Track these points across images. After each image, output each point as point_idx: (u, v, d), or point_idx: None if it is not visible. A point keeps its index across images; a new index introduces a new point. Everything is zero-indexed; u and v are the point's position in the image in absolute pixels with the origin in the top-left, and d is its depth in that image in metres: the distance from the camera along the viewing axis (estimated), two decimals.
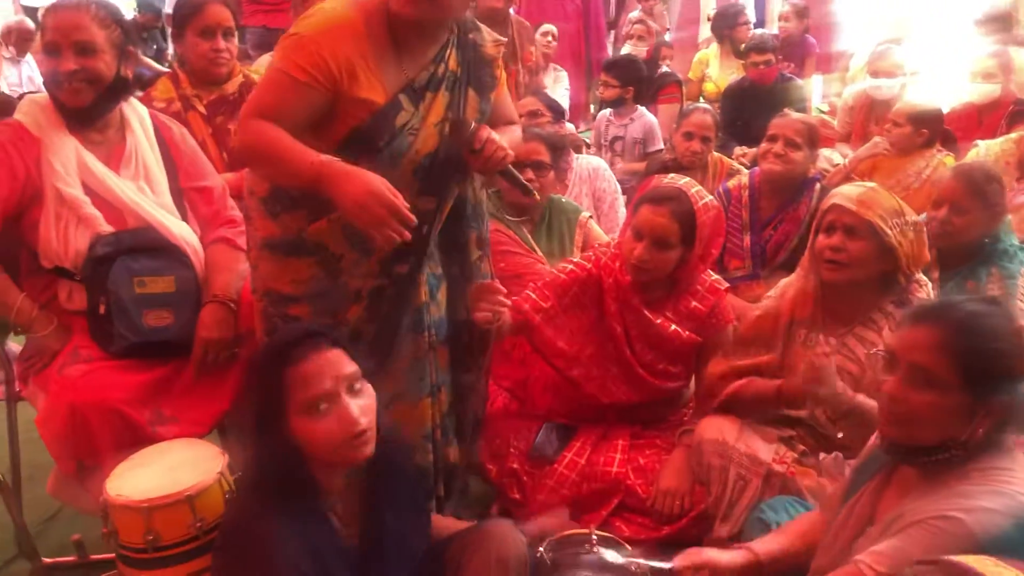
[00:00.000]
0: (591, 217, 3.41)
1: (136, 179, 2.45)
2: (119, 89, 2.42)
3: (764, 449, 2.35)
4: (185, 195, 2.56)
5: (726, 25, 6.81)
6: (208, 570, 1.93)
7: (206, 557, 1.94)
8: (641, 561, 1.98)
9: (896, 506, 1.66)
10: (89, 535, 2.38)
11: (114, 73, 2.37)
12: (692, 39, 7.94)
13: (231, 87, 3.14)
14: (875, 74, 5.22)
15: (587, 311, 2.68)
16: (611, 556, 2.00)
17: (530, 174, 3.13)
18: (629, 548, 2.08)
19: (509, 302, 2.34)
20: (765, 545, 1.92)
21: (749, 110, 5.52)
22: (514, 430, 2.75)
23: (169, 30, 7.76)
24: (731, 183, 3.66)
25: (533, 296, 2.67)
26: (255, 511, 1.74)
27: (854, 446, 2.20)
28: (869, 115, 5.26)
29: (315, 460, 1.75)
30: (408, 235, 1.94)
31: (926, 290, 2.41)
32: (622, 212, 3.80)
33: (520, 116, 3.97)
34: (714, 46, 7.00)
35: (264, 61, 3.51)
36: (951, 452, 1.59)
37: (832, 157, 4.89)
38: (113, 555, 2.07)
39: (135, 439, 2.18)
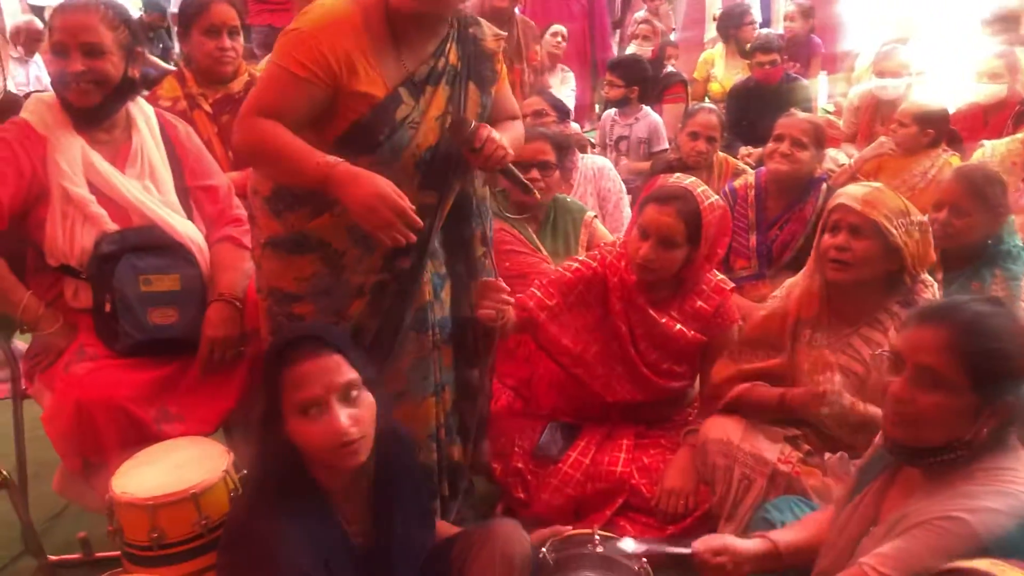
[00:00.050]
0: (596, 217, 3.41)
1: (142, 178, 2.46)
2: (126, 90, 2.43)
3: (769, 449, 2.34)
4: (191, 194, 2.57)
5: (732, 25, 6.79)
6: (212, 568, 1.94)
7: (211, 555, 1.95)
8: (658, 545, 2.00)
9: (900, 506, 1.66)
10: (95, 533, 2.39)
11: (121, 74, 2.38)
12: (698, 39, 7.93)
13: (237, 86, 3.14)
14: (881, 74, 5.21)
15: (592, 309, 2.68)
16: (627, 545, 2.00)
17: (535, 173, 3.13)
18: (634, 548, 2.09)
19: (513, 300, 2.34)
20: (784, 535, 1.92)
21: (754, 110, 5.51)
22: (519, 429, 2.76)
23: (175, 29, 7.79)
24: (737, 183, 3.65)
25: (538, 293, 2.67)
26: (259, 509, 1.75)
27: (859, 446, 2.20)
28: (875, 115, 5.25)
29: (314, 460, 1.76)
30: (413, 237, 1.97)
31: (932, 290, 2.40)
32: (627, 212, 3.80)
33: (525, 116, 3.98)
34: (719, 46, 6.99)
35: None
36: (957, 453, 1.58)
37: (837, 157, 4.88)
38: (118, 553, 2.08)
39: (141, 437, 2.18)
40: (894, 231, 2.27)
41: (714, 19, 7.58)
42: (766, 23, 8.08)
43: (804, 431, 2.43)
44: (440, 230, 2.23)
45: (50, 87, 2.50)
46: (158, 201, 2.46)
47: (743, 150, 5.23)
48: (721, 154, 4.27)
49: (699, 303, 2.65)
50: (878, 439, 1.79)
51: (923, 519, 1.56)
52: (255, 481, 1.87)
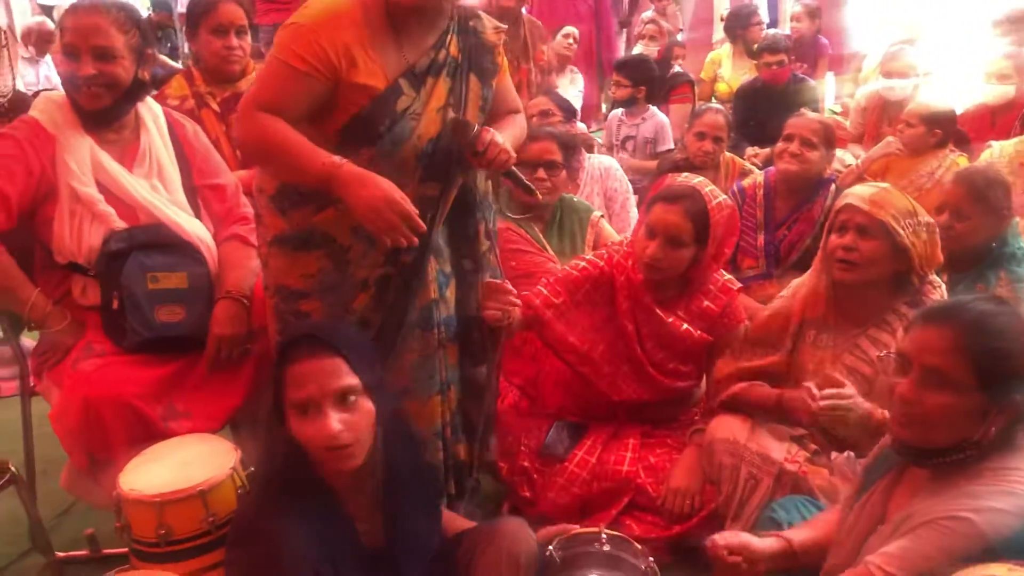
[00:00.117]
0: (603, 216, 3.41)
1: (149, 177, 2.47)
2: (136, 92, 2.44)
3: (776, 448, 2.34)
4: (198, 192, 2.58)
5: (739, 25, 6.79)
6: (219, 565, 1.94)
7: (218, 552, 1.96)
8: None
9: (907, 505, 1.65)
10: (102, 529, 2.39)
11: (132, 77, 2.39)
12: (705, 39, 7.92)
13: (244, 85, 3.15)
14: (888, 75, 5.20)
15: (599, 308, 2.68)
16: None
17: (542, 173, 3.14)
18: (639, 547, 2.09)
19: (519, 302, 2.34)
20: (798, 534, 1.92)
21: (761, 110, 5.51)
22: (525, 428, 2.76)
23: (181, 28, 7.81)
24: (746, 182, 3.65)
25: (544, 291, 2.67)
26: (266, 506, 1.76)
27: (865, 446, 2.20)
28: (882, 116, 5.24)
29: (314, 458, 1.76)
30: (415, 241, 1.98)
31: (940, 291, 2.40)
32: (633, 212, 3.80)
33: (531, 116, 4.00)
34: (727, 46, 6.98)
35: None
36: (965, 453, 1.58)
37: (844, 158, 4.87)
38: (126, 549, 2.09)
39: (148, 434, 2.19)
40: (902, 231, 2.27)
41: (721, 19, 7.57)
42: (773, 24, 8.08)
43: (810, 430, 2.43)
44: (444, 226, 2.24)
45: (59, 87, 2.51)
46: (166, 200, 2.47)
47: (750, 150, 5.23)
48: (728, 154, 4.26)
49: (706, 303, 2.64)
50: (885, 439, 1.79)
51: (929, 518, 1.56)
52: (263, 477, 1.88)
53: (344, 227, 2.06)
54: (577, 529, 2.15)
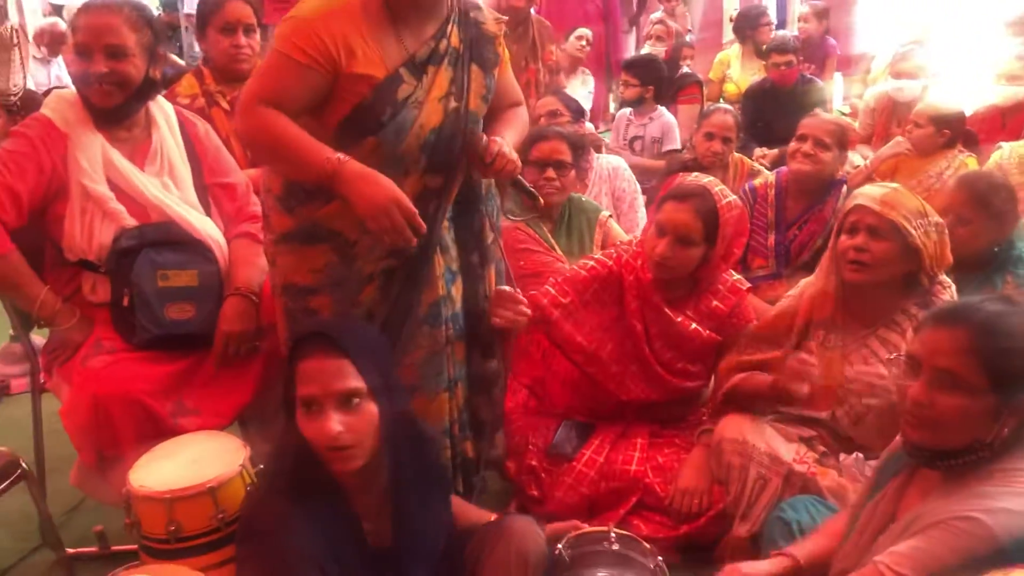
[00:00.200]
0: (611, 216, 3.41)
1: (161, 175, 2.48)
2: (147, 90, 2.45)
3: (785, 449, 2.34)
4: (209, 191, 2.59)
5: (748, 26, 6.77)
6: (229, 561, 1.94)
7: (227, 548, 1.96)
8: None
9: (917, 506, 1.65)
10: (112, 526, 2.40)
11: (143, 75, 2.40)
12: (715, 40, 7.91)
13: None
14: (898, 76, 5.20)
15: (607, 308, 2.68)
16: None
17: (551, 173, 3.14)
18: (648, 546, 2.09)
19: (529, 312, 2.34)
20: (803, 549, 1.91)
21: (770, 111, 5.51)
22: (533, 427, 2.76)
23: (185, 28, 7.83)
24: (757, 182, 3.65)
25: (552, 291, 2.67)
26: (271, 502, 1.76)
27: (875, 447, 2.20)
28: (891, 117, 5.24)
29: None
30: (414, 241, 1.99)
31: (950, 292, 2.39)
32: (642, 212, 3.80)
33: (540, 116, 4.01)
34: (736, 47, 6.97)
35: None
36: (977, 454, 1.58)
37: (853, 159, 4.87)
38: (135, 546, 2.09)
39: (157, 431, 2.20)
40: (913, 232, 2.27)
41: (731, 20, 7.56)
42: (781, 24, 8.06)
43: (819, 432, 2.43)
44: (450, 224, 2.24)
45: (71, 87, 2.52)
46: (177, 198, 2.47)
47: (758, 151, 5.22)
48: (736, 155, 4.26)
49: (715, 303, 2.64)
50: (896, 441, 1.79)
51: (939, 519, 1.56)
52: (272, 471, 1.88)
53: (350, 221, 2.05)
54: (586, 528, 2.14)
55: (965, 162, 4.13)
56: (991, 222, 2.94)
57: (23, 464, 2.31)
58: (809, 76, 5.85)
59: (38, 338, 2.84)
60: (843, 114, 6.29)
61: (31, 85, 5.78)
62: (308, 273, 2.15)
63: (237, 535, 1.86)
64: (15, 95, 4.75)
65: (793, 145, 3.49)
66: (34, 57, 6.76)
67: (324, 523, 1.74)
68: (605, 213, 3.37)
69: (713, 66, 7.03)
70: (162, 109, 2.56)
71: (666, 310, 2.61)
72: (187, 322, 2.37)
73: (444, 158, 2.12)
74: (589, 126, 4.93)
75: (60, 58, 6.88)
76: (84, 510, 2.78)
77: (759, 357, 2.51)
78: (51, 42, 6.88)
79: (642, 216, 3.77)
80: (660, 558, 2.06)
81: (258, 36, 3.26)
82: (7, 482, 2.26)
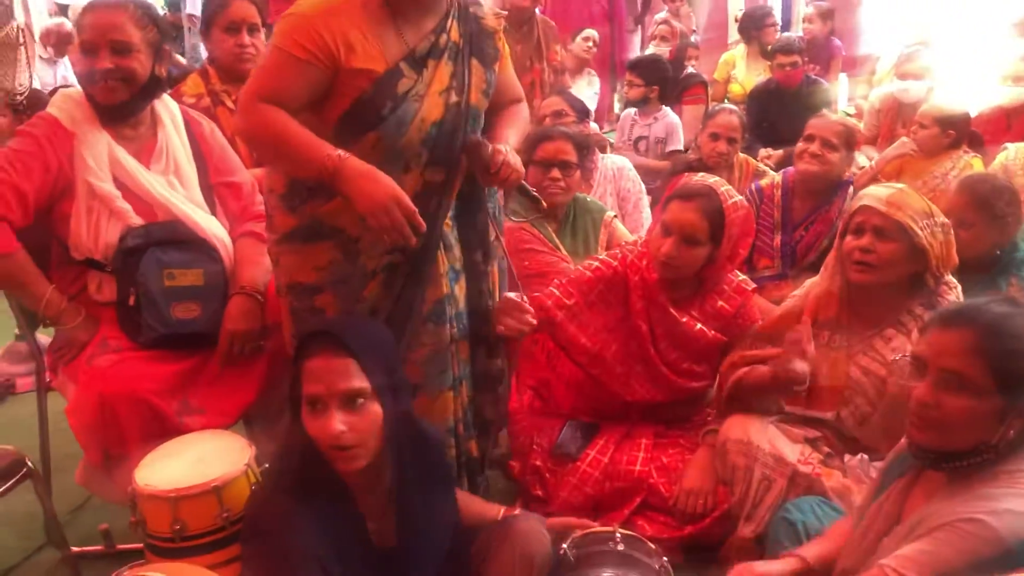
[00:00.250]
0: (616, 216, 3.41)
1: (166, 174, 2.48)
2: (153, 87, 2.45)
3: (790, 449, 2.34)
4: (215, 190, 2.59)
5: (753, 27, 6.78)
6: (234, 560, 1.95)
7: (232, 547, 1.96)
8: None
9: (922, 508, 1.65)
10: (117, 525, 2.40)
11: (149, 72, 2.41)
12: (720, 40, 7.92)
13: None
14: (903, 77, 5.19)
15: (612, 309, 2.68)
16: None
17: (556, 173, 3.14)
18: (653, 547, 2.09)
19: (535, 322, 2.33)
20: (812, 550, 1.91)
21: (775, 112, 5.51)
22: (537, 427, 2.76)
23: (187, 28, 7.84)
24: (764, 182, 3.66)
25: (556, 292, 2.67)
26: (276, 500, 1.77)
27: (880, 449, 2.19)
28: (896, 118, 5.24)
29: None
30: (414, 240, 1.99)
31: (956, 292, 2.38)
32: (646, 212, 3.80)
33: (545, 116, 4.01)
34: (741, 47, 6.98)
35: None
36: (983, 456, 1.58)
37: (858, 159, 4.87)
38: (139, 545, 2.10)
39: (162, 429, 2.20)
40: (920, 232, 2.26)
41: (736, 21, 7.57)
42: (785, 25, 8.07)
43: (824, 433, 2.42)
44: (453, 223, 2.25)
45: (76, 87, 2.52)
46: (182, 197, 2.48)
47: (763, 152, 5.23)
48: (742, 155, 4.26)
49: (720, 303, 2.64)
50: (902, 442, 1.78)
51: (945, 521, 1.55)
52: (277, 468, 1.89)
53: (352, 217, 2.05)
54: (590, 526, 2.14)
55: (970, 163, 4.13)
56: (993, 225, 2.94)
57: (29, 463, 2.32)
58: (814, 77, 5.85)
59: (43, 337, 2.84)
60: (848, 115, 6.29)
61: (37, 85, 5.80)
62: (312, 271, 2.15)
63: (242, 533, 1.86)
64: (21, 94, 4.77)
65: (800, 145, 3.49)
66: (40, 57, 6.78)
67: (328, 522, 1.74)
68: (610, 213, 3.37)
69: (718, 66, 7.04)
70: (168, 108, 2.57)
71: (671, 310, 2.60)
72: (193, 321, 2.38)
73: (445, 153, 2.12)
74: (594, 126, 4.93)
75: (66, 59, 6.90)
76: (89, 509, 2.79)
77: (759, 353, 2.51)
78: (57, 42, 6.90)
79: (647, 216, 3.77)
80: (665, 558, 2.06)
81: (263, 35, 3.26)
82: (13, 481, 2.27)
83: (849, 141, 3.48)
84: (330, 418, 1.71)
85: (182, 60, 6.87)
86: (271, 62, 2.03)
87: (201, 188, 2.54)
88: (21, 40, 4.95)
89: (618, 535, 2.06)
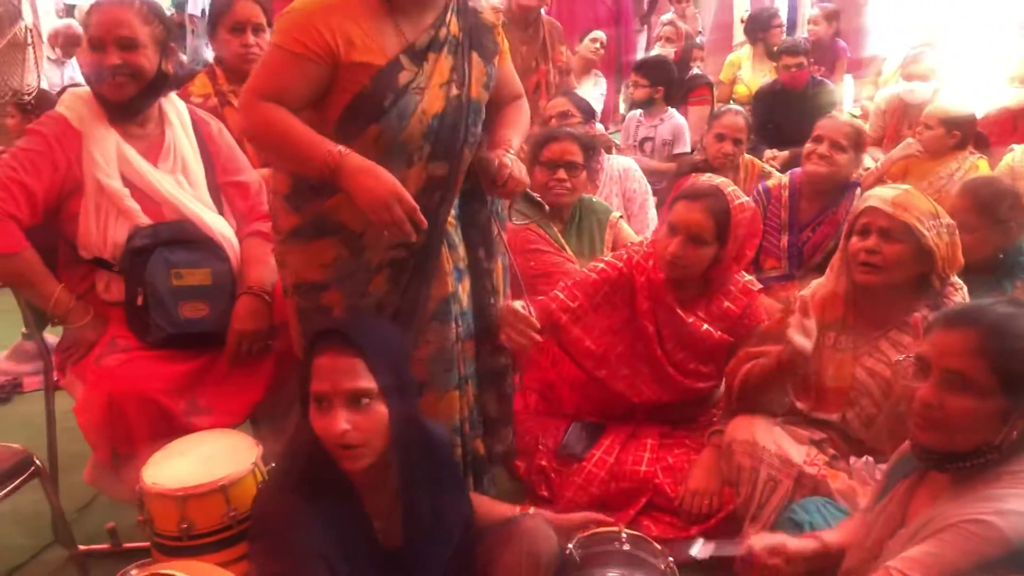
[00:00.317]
0: (621, 217, 3.41)
1: (174, 172, 2.49)
2: (160, 84, 2.46)
3: (795, 450, 2.33)
4: (222, 190, 2.60)
5: (759, 28, 6.78)
6: (241, 559, 1.95)
7: (239, 546, 1.97)
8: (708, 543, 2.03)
9: (927, 509, 1.65)
10: (124, 523, 2.42)
11: (156, 68, 2.42)
12: (725, 41, 7.92)
13: None
14: (909, 78, 5.19)
15: (618, 310, 2.68)
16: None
17: (562, 174, 3.15)
18: (658, 547, 2.09)
19: (539, 338, 2.33)
20: (832, 535, 1.91)
21: (780, 113, 5.51)
22: (543, 427, 2.77)
23: (190, 31, 7.86)
24: (771, 183, 3.65)
25: (561, 295, 2.68)
26: (283, 497, 1.77)
27: (885, 451, 2.19)
28: (902, 119, 5.23)
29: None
30: (415, 237, 1.98)
31: (962, 294, 2.38)
32: (652, 213, 3.80)
33: (551, 117, 4.01)
34: (747, 48, 6.98)
35: None
36: (986, 457, 1.58)
37: (864, 160, 4.86)
38: (146, 543, 2.10)
39: (170, 428, 2.21)
40: (926, 233, 2.26)
41: (742, 21, 7.57)
42: (791, 27, 8.07)
43: (830, 434, 2.42)
44: (457, 221, 2.25)
45: (83, 87, 2.54)
46: (190, 196, 2.49)
47: (768, 153, 5.22)
48: (747, 156, 4.26)
49: (727, 304, 2.65)
50: (906, 443, 1.78)
51: (950, 522, 1.55)
52: (285, 466, 1.89)
53: (355, 212, 2.05)
54: (607, 521, 2.14)
55: (976, 164, 4.13)
56: (996, 229, 2.94)
57: (36, 461, 2.33)
58: (819, 78, 5.85)
59: (51, 337, 2.86)
60: (854, 116, 6.30)
61: (44, 86, 5.81)
62: (318, 268, 2.16)
63: (249, 531, 1.87)
64: (29, 95, 4.77)
65: (809, 146, 3.49)
66: (48, 58, 6.79)
67: (335, 521, 1.75)
68: (616, 214, 3.38)
69: (724, 67, 7.04)
70: (175, 107, 2.58)
71: (678, 310, 2.61)
72: (201, 320, 2.39)
73: (447, 146, 2.12)
74: (599, 127, 4.94)
75: (73, 60, 6.91)
76: (96, 507, 2.80)
77: (763, 349, 2.50)
78: (65, 44, 6.92)
79: (652, 217, 3.77)
80: (671, 559, 2.06)
81: (267, 36, 3.27)
82: (20, 479, 2.27)
83: (857, 142, 3.47)
84: (335, 416, 1.72)
85: (183, 59, 6.88)
86: (271, 60, 2.04)
87: (208, 187, 2.55)
88: (29, 41, 4.95)
89: (624, 535, 2.06)
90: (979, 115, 4.41)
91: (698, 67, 6.77)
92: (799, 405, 2.46)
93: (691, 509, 2.49)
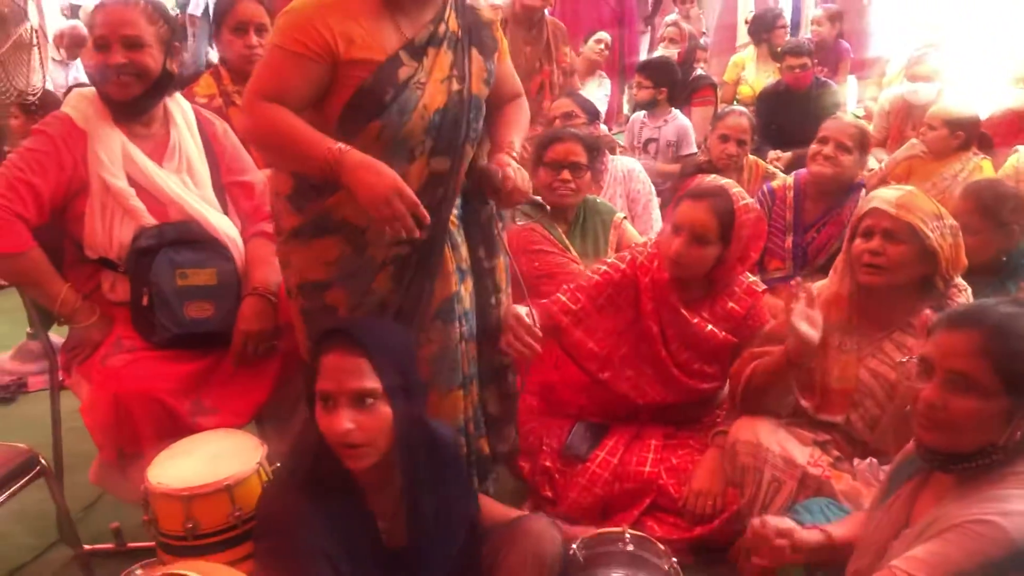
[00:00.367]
0: (625, 218, 3.41)
1: (179, 172, 2.49)
2: (165, 83, 2.47)
3: (799, 451, 2.33)
4: (227, 190, 2.60)
5: (763, 29, 6.78)
6: (246, 559, 1.96)
7: (244, 546, 1.97)
8: None
9: (931, 510, 1.65)
10: (128, 523, 2.43)
11: (160, 67, 2.42)
12: (730, 42, 7.92)
13: None
14: (913, 79, 5.18)
15: (622, 312, 2.68)
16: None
17: (566, 175, 3.15)
18: (662, 547, 2.09)
19: (539, 348, 2.33)
20: (838, 530, 1.91)
21: (784, 114, 5.51)
22: (547, 428, 2.76)
23: (190, 29, 7.87)
24: (776, 183, 3.65)
25: (563, 298, 2.68)
26: (288, 496, 1.78)
27: (889, 452, 2.19)
28: (906, 120, 5.23)
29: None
30: (417, 233, 1.98)
31: (966, 295, 2.38)
32: (656, 214, 3.80)
33: (555, 118, 4.01)
34: (751, 49, 6.98)
35: None
36: (990, 458, 1.57)
37: (868, 162, 4.86)
38: (150, 544, 2.11)
39: (176, 429, 2.22)
40: (930, 234, 2.26)
41: (746, 23, 7.56)
42: (794, 28, 8.07)
43: (834, 436, 2.42)
44: (459, 221, 2.26)
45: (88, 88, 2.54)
46: (196, 196, 2.49)
47: (772, 154, 5.22)
48: (751, 157, 4.26)
49: (731, 304, 2.65)
50: (910, 445, 1.78)
51: (954, 523, 1.55)
52: (290, 465, 1.89)
53: (357, 208, 2.04)
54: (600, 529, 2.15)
55: (979, 165, 4.13)
56: (998, 232, 2.94)
57: (42, 460, 2.33)
58: (823, 79, 5.85)
59: (56, 336, 2.86)
60: (857, 117, 6.29)
61: (49, 86, 5.83)
62: (322, 267, 2.16)
63: (254, 530, 1.88)
64: (34, 95, 4.79)
65: (814, 147, 3.49)
66: (53, 59, 6.81)
67: (339, 521, 1.76)
68: (620, 215, 3.38)
69: (728, 68, 7.04)
70: (180, 107, 2.58)
71: (682, 311, 2.61)
72: (206, 320, 2.39)
73: (449, 141, 2.13)
74: (603, 128, 4.94)
75: (78, 61, 6.93)
76: (101, 507, 2.81)
77: (768, 349, 2.50)
78: (70, 45, 6.94)
79: (656, 218, 3.77)
80: (674, 559, 2.06)
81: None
82: (26, 478, 2.29)
83: (862, 144, 3.47)
84: (339, 416, 1.73)
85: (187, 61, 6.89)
86: (271, 61, 2.04)
87: (213, 187, 2.55)
88: (34, 42, 4.97)
89: (627, 536, 2.07)
90: (983, 116, 4.40)
91: (702, 68, 6.78)
92: (804, 404, 2.46)
93: (695, 510, 2.49)
